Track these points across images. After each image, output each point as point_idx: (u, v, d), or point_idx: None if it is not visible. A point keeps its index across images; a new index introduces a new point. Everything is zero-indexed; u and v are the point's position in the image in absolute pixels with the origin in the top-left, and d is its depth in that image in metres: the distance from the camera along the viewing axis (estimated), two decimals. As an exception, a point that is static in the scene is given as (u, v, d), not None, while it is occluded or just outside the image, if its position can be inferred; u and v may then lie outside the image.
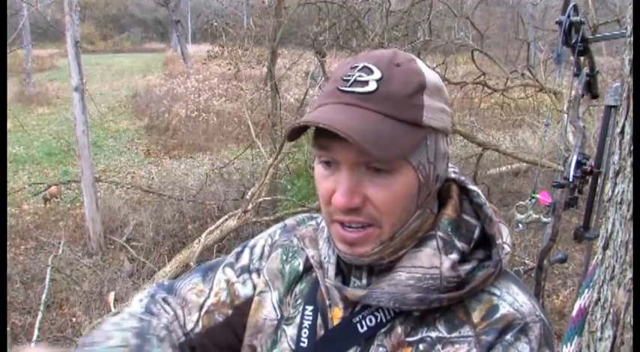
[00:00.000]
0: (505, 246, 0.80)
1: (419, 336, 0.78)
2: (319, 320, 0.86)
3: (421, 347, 0.78)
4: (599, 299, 1.21)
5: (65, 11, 6.64)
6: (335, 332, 0.84)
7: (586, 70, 2.36)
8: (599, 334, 1.17)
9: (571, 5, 2.30)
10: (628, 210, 1.12)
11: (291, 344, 0.88)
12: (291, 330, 0.89)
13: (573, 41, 2.27)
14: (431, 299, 0.76)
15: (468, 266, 0.78)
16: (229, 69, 8.74)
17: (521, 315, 0.76)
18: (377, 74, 0.75)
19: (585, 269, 2.27)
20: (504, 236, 0.81)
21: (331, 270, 0.86)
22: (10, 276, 5.28)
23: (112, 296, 4.70)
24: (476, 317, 0.77)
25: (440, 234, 0.80)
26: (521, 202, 2.44)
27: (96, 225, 6.74)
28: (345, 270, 0.86)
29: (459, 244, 0.79)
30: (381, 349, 0.80)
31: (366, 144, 0.70)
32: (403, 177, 0.76)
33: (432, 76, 0.79)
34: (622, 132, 1.17)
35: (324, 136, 0.74)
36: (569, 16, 2.22)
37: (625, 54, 1.15)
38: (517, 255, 5.29)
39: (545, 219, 2.33)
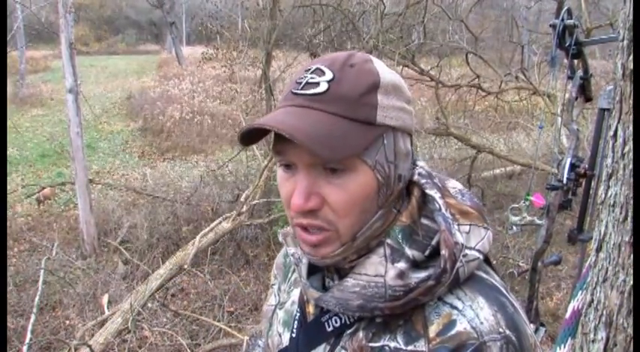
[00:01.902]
0: (473, 252, 0.76)
1: (381, 343, 0.78)
2: (299, 315, 0.91)
3: None
4: (592, 301, 1.22)
5: (59, 13, 6.62)
6: (308, 328, 0.87)
7: (580, 72, 2.37)
8: (592, 335, 1.18)
9: (565, 9, 2.32)
10: (621, 213, 1.13)
11: (279, 326, 0.94)
12: (281, 314, 0.96)
13: (567, 44, 2.28)
14: (371, 307, 0.76)
15: (421, 275, 0.75)
16: (224, 71, 8.73)
17: (478, 334, 0.71)
18: (328, 75, 0.75)
19: (579, 271, 2.27)
20: (474, 241, 0.77)
21: (303, 269, 0.87)
22: (3, 279, 5.26)
23: (105, 298, 4.68)
24: (432, 331, 0.74)
25: (389, 241, 0.78)
26: (515, 204, 2.44)
27: (90, 227, 6.72)
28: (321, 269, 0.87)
29: (410, 252, 0.77)
30: (343, 351, 0.81)
31: (313, 144, 0.69)
32: (360, 177, 0.75)
33: (388, 76, 0.78)
34: (615, 135, 1.18)
35: (280, 140, 0.75)
36: (562, 20, 2.23)
37: (618, 58, 1.15)
38: (511, 258, 5.30)
39: (539, 222, 2.34)
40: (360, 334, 0.80)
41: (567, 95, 2.43)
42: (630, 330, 1.07)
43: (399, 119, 0.78)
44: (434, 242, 0.77)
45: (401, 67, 7.17)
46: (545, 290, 5.14)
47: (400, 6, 7.92)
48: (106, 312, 4.37)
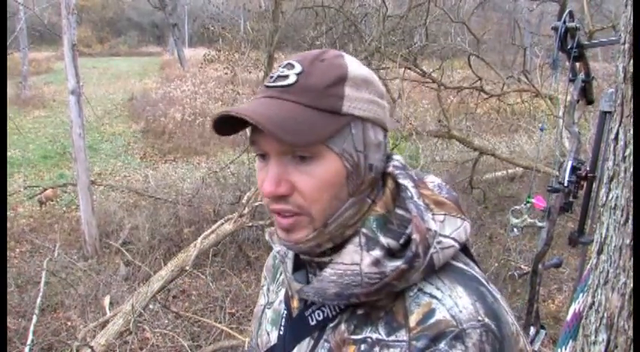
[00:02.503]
0: (448, 240, 0.79)
1: (363, 335, 0.80)
2: (286, 312, 0.93)
3: (362, 347, 0.79)
4: (593, 303, 1.22)
5: (62, 14, 6.63)
6: (293, 323, 0.90)
7: (581, 75, 2.37)
8: (593, 337, 1.18)
9: (567, 11, 2.32)
10: (622, 215, 1.13)
11: (267, 325, 0.97)
12: (270, 313, 0.99)
13: (569, 47, 2.28)
14: (347, 294, 0.78)
15: (396, 263, 0.76)
16: (226, 73, 8.74)
17: (457, 321, 0.73)
18: (297, 68, 0.79)
19: (580, 273, 2.27)
20: (449, 229, 0.80)
21: (289, 264, 0.90)
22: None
23: (107, 299, 4.68)
24: (412, 321, 0.76)
25: (364, 230, 0.81)
26: (516, 207, 2.45)
27: (91, 229, 6.72)
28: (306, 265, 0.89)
29: (385, 240, 0.79)
30: (326, 344, 0.83)
31: (276, 129, 0.73)
32: (327, 164, 0.78)
33: (358, 70, 0.82)
34: (616, 138, 1.18)
35: (254, 131, 0.79)
36: (565, 22, 2.23)
37: (619, 61, 1.16)
38: (512, 260, 5.29)
39: (540, 224, 2.34)
40: (342, 327, 0.82)
41: (569, 98, 2.43)
42: (631, 332, 1.07)
43: (369, 111, 0.81)
44: (408, 230, 0.79)
45: (403, 69, 7.17)
46: (546, 293, 5.14)
47: (402, 8, 7.93)
48: (108, 313, 4.37)
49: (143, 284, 4.90)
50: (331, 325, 0.84)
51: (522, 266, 4.96)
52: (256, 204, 5.60)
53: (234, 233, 5.79)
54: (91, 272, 5.75)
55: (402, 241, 0.79)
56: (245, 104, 0.82)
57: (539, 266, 2.37)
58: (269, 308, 1.00)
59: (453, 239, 0.80)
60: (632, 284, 1.08)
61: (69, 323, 4.89)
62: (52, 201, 8.19)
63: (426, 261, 0.76)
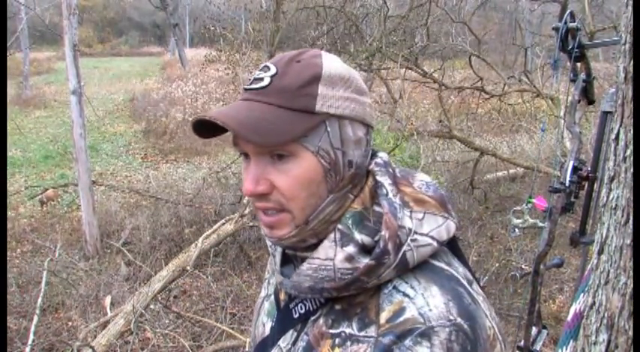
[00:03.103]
0: (425, 238, 0.79)
1: (339, 330, 0.81)
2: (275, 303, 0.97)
3: (337, 341, 0.80)
4: (594, 303, 1.22)
5: (63, 14, 6.64)
6: (280, 315, 0.93)
7: (582, 75, 2.37)
8: (593, 338, 1.18)
9: (568, 12, 2.32)
10: (622, 216, 1.13)
11: (264, 317, 0.99)
12: (267, 305, 1.01)
13: (570, 47, 2.28)
14: (319, 288, 0.81)
15: (369, 258, 0.77)
16: (227, 73, 8.74)
17: (425, 319, 0.73)
18: (272, 70, 0.81)
19: (581, 274, 2.27)
20: (427, 228, 0.80)
21: (278, 257, 0.93)
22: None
23: (108, 300, 4.68)
24: (382, 318, 0.77)
25: (339, 226, 0.82)
26: (517, 207, 2.44)
27: (92, 229, 6.73)
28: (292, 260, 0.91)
29: (359, 236, 0.80)
30: (306, 337, 0.85)
31: (242, 130, 0.76)
32: (303, 162, 0.79)
33: (334, 68, 0.82)
34: (617, 138, 1.18)
35: (234, 134, 0.81)
36: (566, 23, 2.23)
37: (620, 61, 1.16)
38: (513, 260, 5.29)
39: (541, 224, 2.34)
40: (321, 320, 0.84)
41: (570, 98, 2.43)
42: (631, 333, 1.07)
43: (345, 108, 0.82)
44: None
45: (404, 69, 7.18)
46: (547, 293, 5.14)
47: (403, 8, 7.93)
48: (109, 314, 4.37)
49: (144, 284, 4.90)
50: (312, 318, 0.85)
51: (523, 267, 4.96)
52: (257, 204, 5.60)
53: (235, 233, 5.79)
54: (92, 273, 5.76)
55: (376, 238, 0.79)
56: (223, 107, 0.84)
57: (541, 266, 2.36)
58: (267, 301, 1.02)
59: (431, 237, 0.80)
60: (632, 285, 1.08)
61: (70, 324, 4.89)
62: (53, 201, 8.19)
63: (397, 259, 0.77)
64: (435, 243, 0.80)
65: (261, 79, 0.81)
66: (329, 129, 0.80)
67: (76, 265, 5.97)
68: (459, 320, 0.73)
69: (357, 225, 0.81)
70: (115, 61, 25.76)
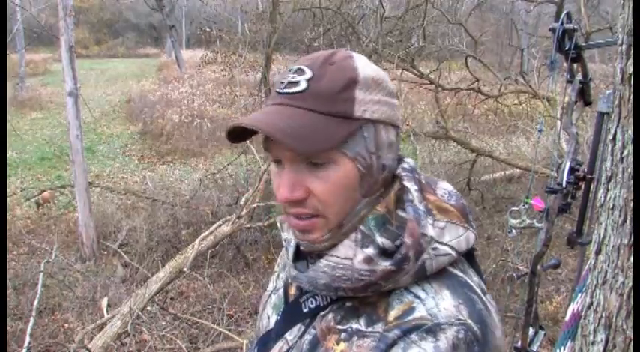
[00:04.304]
0: (444, 247, 0.79)
1: (347, 326, 0.81)
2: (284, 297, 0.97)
3: (343, 335, 0.81)
4: (591, 303, 1.22)
5: (60, 16, 6.63)
6: (288, 308, 0.94)
7: (579, 76, 2.37)
8: (591, 337, 1.18)
9: (564, 13, 2.32)
10: (620, 216, 1.13)
11: (270, 310, 1.00)
12: (274, 298, 1.02)
13: (566, 48, 2.28)
14: (335, 286, 0.80)
15: (389, 263, 0.77)
16: (223, 75, 8.74)
17: (433, 317, 0.74)
18: (308, 74, 0.80)
19: (578, 274, 2.28)
20: (448, 237, 0.80)
21: (291, 251, 0.93)
22: (3, 282, 5.24)
23: (105, 301, 4.68)
24: (391, 315, 0.77)
25: (362, 227, 0.82)
26: (514, 208, 2.44)
27: (89, 231, 6.71)
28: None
29: (380, 239, 0.80)
30: (312, 330, 0.86)
31: (285, 137, 0.75)
32: (341, 169, 0.79)
33: (368, 71, 0.82)
34: (614, 138, 1.18)
35: (268, 139, 0.81)
36: (562, 24, 2.23)
37: (617, 62, 1.16)
38: (510, 261, 5.30)
39: (538, 225, 2.34)
40: (330, 316, 0.84)
41: (566, 99, 2.43)
42: (629, 332, 1.07)
43: (380, 112, 0.81)
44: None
45: (400, 70, 7.18)
46: (544, 294, 5.14)
47: (400, 9, 7.94)
48: (106, 315, 4.36)
49: (141, 286, 4.89)
50: (322, 313, 0.86)
51: (520, 267, 4.97)
52: (254, 205, 5.60)
53: (232, 234, 5.79)
54: (88, 274, 5.74)
55: (397, 242, 0.79)
56: (257, 112, 0.83)
57: (538, 267, 2.37)
58: (274, 294, 1.02)
59: (451, 247, 0.80)
60: (630, 284, 1.08)
61: (66, 326, 4.88)
62: (50, 203, 8.18)
63: (417, 266, 0.77)
64: (454, 253, 0.80)
65: (297, 83, 0.80)
66: (366, 134, 0.80)
67: (72, 267, 5.96)
68: (469, 321, 0.74)
69: (379, 228, 0.81)
70: (112, 63, 25.70)
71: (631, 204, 1.09)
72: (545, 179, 5.58)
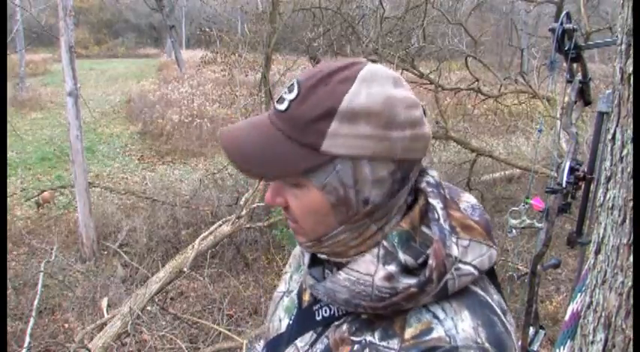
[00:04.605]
0: (467, 267, 0.76)
1: (361, 338, 0.80)
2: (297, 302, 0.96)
3: (356, 347, 0.80)
4: (591, 303, 1.22)
5: (59, 16, 6.63)
6: (301, 314, 0.92)
7: (579, 76, 2.37)
8: (591, 337, 1.18)
9: (564, 13, 2.32)
10: (619, 215, 1.13)
11: (281, 312, 0.99)
12: (286, 301, 1.00)
13: (566, 48, 2.28)
14: (354, 303, 0.79)
15: (410, 281, 0.75)
16: (223, 75, 8.74)
17: (451, 340, 0.72)
18: (294, 93, 0.77)
19: (578, 274, 2.28)
20: (471, 256, 0.77)
21: (307, 257, 0.92)
22: (3, 282, 5.24)
23: (105, 302, 4.68)
24: (408, 333, 0.76)
25: (384, 243, 0.80)
26: (514, 208, 2.44)
27: (89, 231, 6.71)
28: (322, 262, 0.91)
29: (403, 257, 0.78)
30: (325, 340, 0.85)
31: (240, 161, 0.78)
32: (309, 194, 0.78)
33: (359, 101, 0.74)
34: (613, 138, 1.18)
35: None
36: (562, 24, 2.23)
37: (616, 62, 1.16)
38: (510, 261, 5.30)
39: (538, 225, 2.34)
40: (344, 327, 0.83)
41: (566, 99, 2.43)
42: (628, 332, 1.07)
43: (362, 148, 0.75)
44: (429, 251, 0.77)
45: (400, 70, 7.17)
46: (544, 294, 5.14)
47: (400, 10, 7.94)
48: (106, 316, 4.37)
49: (141, 286, 4.90)
50: (336, 323, 0.84)
51: (520, 267, 4.97)
52: (254, 206, 5.60)
53: (232, 234, 5.79)
54: (88, 275, 5.75)
55: (420, 260, 0.78)
56: (244, 122, 0.84)
57: (538, 267, 2.37)
58: (287, 296, 1.01)
59: (474, 266, 0.77)
60: (630, 283, 1.08)
61: (66, 326, 4.89)
62: (50, 203, 8.18)
63: (439, 287, 0.75)
64: (476, 272, 0.78)
65: (283, 101, 0.78)
66: (338, 167, 0.76)
67: (72, 267, 5.96)
68: (486, 345, 0.72)
69: (403, 245, 0.79)
70: (112, 63, 25.70)
71: (630, 204, 1.10)
72: (545, 179, 5.58)
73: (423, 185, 0.82)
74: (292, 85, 0.78)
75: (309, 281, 0.88)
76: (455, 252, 0.76)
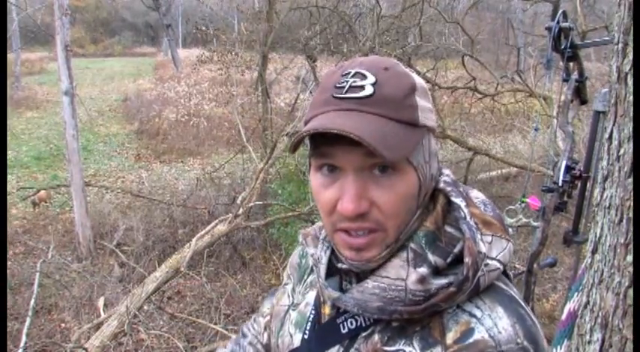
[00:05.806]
0: (494, 262, 0.77)
1: (396, 347, 0.78)
2: (314, 316, 0.92)
3: None
4: (588, 302, 1.22)
5: (55, 15, 6.61)
6: (323, 329, 0.88)
7: (575, 75, 2.38)
8: (588, 337, 1.18)
9: (560, 12, 2.32)
10: (616, 215, 1.13)
11: (291, 327, 0.96)
12: (294, 315, 0.97)
13: (562, 47, 2.29)
14: (390, 310, 0.76)
15: (442, 281, 0.75)
16: (220, 74, 8.73)
17: (496, 343, 0.71)
18: (371, 78, 0.76)
19: (574, 273, 2.28)
20: (495, 252, 0.78)
21: (322, 269, 0.87)
22: (-1, 281, 5.23)
23: (101, 301, 4.66)
24: (449, 338, 0.74)
25: (412, 245, 0.78)
26: (511, 206, 2.45)
27: (85, 230, 6.70)
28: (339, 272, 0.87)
29: (432, 258, 0.77)
30: None
31: (378, 146, 0.69)
32: (406, 178, 0.76)
33: (418, 78, 0.80)
34: (610, 137, 1.18)
35: (325, 144, 0.75)
36: (558, 22, 2.24)
37: (613, 61, 1.16)
38: (507, 259, 5.30)
39: (534, 223, 2.34)
40: (376, 337, 0.80)
41: (563, 97, 2.43)
42: (625, 332, 1.08)
43: (432, 120, 0.80)
44: (456, 250, 0.77)
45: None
46: (540, 292, 5.15)
47: (396, 8, 7.94)
48: (102, 315, 4.35)
49: (138, 285, 4.88)
50: (363, 334, 0.82)
51: (517, 266, 4.98)
52: (250, 205, 5.60)
53: (229, 234, 5.78)
54: (85, 274, 5.73)
55: (449, 260, 0.77)
56: (321, 119, 0.76)
57: (534, 265, 2.37)
58: (294, 310, 0.98)
59: (499, 261, 0.78)
60: (627, 283, 1.08)
61: (63, 325, 4.88)
62: (46, 202, 8.16)
63: (473, 284, 0.75)
64: (501, 267, 0.78)
65: (362, 88, 0.75)
66: (424, 141, 0.78)
67: (68, 266, 5.95)
68: (525, 343, 0.72)
69: (430, 246, 0.78)
70: (108, 62, 25.68)
71: (627, 203, 1.09)
72: (541, 178, 5.59)
73: (442, 184, 0.82)
74: (358, 73, 0.77)
75: (332, 294, 0.83)
76: (482, 248, 0.76)
